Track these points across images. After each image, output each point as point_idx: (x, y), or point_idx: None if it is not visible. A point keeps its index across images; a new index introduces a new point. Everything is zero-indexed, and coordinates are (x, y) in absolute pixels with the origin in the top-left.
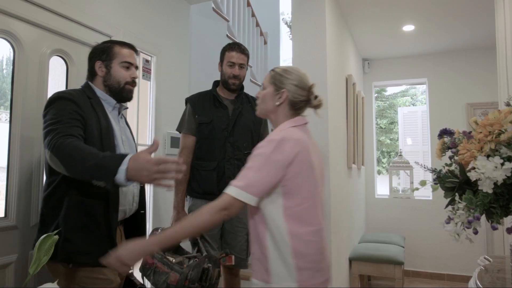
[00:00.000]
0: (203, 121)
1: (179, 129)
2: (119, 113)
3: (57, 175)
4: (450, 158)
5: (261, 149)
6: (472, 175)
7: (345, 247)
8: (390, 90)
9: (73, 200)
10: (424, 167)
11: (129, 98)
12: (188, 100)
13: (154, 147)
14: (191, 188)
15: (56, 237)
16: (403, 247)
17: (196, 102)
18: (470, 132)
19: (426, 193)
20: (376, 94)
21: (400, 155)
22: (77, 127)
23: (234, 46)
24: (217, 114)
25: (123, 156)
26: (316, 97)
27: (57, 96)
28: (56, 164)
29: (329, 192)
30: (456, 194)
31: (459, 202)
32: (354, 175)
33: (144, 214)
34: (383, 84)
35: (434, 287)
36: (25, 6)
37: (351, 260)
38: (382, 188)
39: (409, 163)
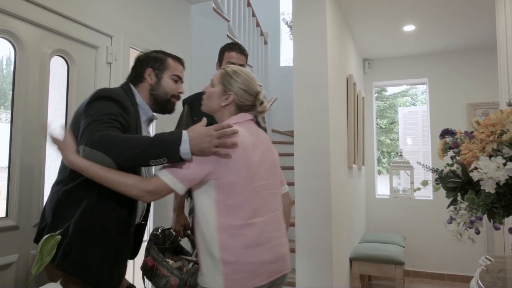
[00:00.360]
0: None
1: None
2: (148, 124)
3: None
4: (452, 158)
5: None
6: (475, 175)
7: (346, 247)
8: (390, 90)
9: (90, 205)
10: (426, 167)
11: (172, 110)
12: (185, 101)
13: (203, 123)
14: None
15: (59, 237)
16: (404, 247)
17: (194, 104)
18: (472, 132)
19: (426, 193)
20: (376, 94)
21: (401, 155)
22: (117, 128)
23: (234, 46)
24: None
25: (178, 130)
26: (261, 103)
27: (105, 95)
28: (98, 157)
29: (329, 192)
30: (458, 194)
31: (461, 202)
32: (354, 175)
33: (145, 225)
34: (384, 84)
35: (434, 287)
36: (26, 6)
37: (351, 260)
38: (382, 188)
39: (409, 163)
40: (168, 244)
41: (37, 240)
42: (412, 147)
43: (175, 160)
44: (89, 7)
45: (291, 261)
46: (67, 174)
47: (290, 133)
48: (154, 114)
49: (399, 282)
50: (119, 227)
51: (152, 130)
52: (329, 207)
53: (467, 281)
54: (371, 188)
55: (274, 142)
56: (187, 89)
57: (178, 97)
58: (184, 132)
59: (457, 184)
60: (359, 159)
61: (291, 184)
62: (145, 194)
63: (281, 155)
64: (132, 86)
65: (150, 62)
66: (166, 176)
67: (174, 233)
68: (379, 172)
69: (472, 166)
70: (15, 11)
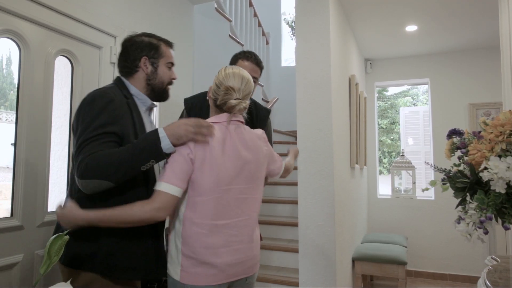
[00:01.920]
0: None
1: None
2: (149, 114)
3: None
4: (459, 158)
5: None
6: (485, 175)
7: (348, 247)
8: (391, 90)
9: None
10: (435, 168)
11: (167, 97)
12: (185, 105)
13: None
14: None
15: (67, 237)
16: (406, 247)
17: (193, 110)
18: (479, 132)
19: (428, 193)
20: (377, 95)
21: (402, 155)
22: (108, 142)
23: (250, 56)
24: None
25: (154, 130)
26: (226, 101)
27: (92, 100)
28: (95, 184)
29: (333, 192)
30: (467, 194)
31: (470, 202)
32: (356, 175)
33: None
34: (385, 84)
35: (437, 287)
36: (31, 6)
37: (354, 260)
38: (383, 188)
39: (411, 163)
40: None
41: None
42: (413, 147)
43: (162, 158)
44: (93, 7)
45: (294, 261)
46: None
47: (292, 133)
48: (154, 102)
49: (402, 282)
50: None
51: (155, 123)
52: (332, 207)
53: (469, 281)
54: (373, 188)
55: (275, 142)
56: (189, 88)
57: (172, 83)
58: (160, 130)
59: (466, 184)
60: (361, 159)
61: (294, 184)
62: (156, 212)
63: (282, 155)
64: (124, 79)
65: (145, 50)
66: (161, 186)
67: None
68: (380, 172)
69: (482, 166)
70: (20, 11)
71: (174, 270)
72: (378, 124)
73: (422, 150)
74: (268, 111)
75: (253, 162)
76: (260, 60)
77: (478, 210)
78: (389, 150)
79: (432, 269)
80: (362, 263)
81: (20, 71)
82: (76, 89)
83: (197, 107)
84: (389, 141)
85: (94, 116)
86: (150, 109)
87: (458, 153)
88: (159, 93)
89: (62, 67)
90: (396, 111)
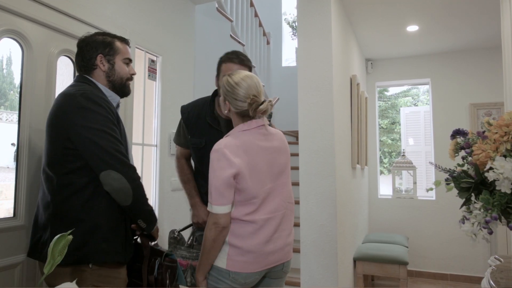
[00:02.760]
0: (196, 143)
1: (175, 140)
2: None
3: (88, 176)
4: (463, 158)
5: (212, 162)
6: (490, 175)
7: (350, 247)
8: (392, 90)
9: (105, 201)
10: (439, 168)
11: (129, 92)
12: (181, 113)
13: None
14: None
15: (70, 237)
16: (407, 247)
17: (189, 120)
18: (483, 132)
19: (429, 193)
20: (377, 95)
21: (403, 155)
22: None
23: (233, 57)
24: (211, 138)
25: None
26: (255, 108)
27: (93, 101)
28: (124, 194)
29: (334, 192)
30: (472, 194)
31: (475, 202)
32: (357, 175)
33: None
34: (386, 84)
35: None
36: (34, 6)
37: (355, 260)
38: (383, 188)
39: (412, 163)
40: (189, 241)
41: (33, 254)
42: (414, 147)
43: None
44: (96, 7)
45: (296, 261)
46: (69, 179)
47: (292, 133)
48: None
49: (403, 282)
50: (124, 214)
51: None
52: (334, 207)
53: (470, 281)
54: (373, 188)
55: None
56: (190, 88)
57: (132, 79)
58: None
59: (471, 184)
60: (362, 159)
61: (295, 184)
62: (222, 229)
63: None
64: (90, 77)
65: (99, 48)
66: (210, 207)
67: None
68: (380, 172)
69: (488, 167)
70: (22, 11)
71: (221, 260)
72: (379, 124)
73: (422, 150)
74: None
75: (282, 161)
76: (244, 57)
77: (483, 210)
78: (390, 150)
79: (433, 269)
80: (363, 263)
81: (23, 71)
82: None
83: (194, 115)
84: (390, 141)
85: (98, 116)
86: (117, 106)
87: (462, 153)
88: (120, 89)
89: (62, 67)
90: (397, 111)
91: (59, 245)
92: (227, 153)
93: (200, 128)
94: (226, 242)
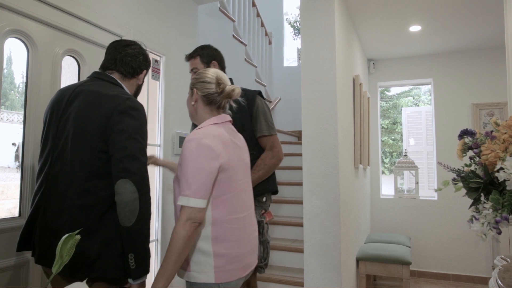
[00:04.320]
0: None
1: None
2: None
3: (108, 186)
4: (471, 158)
5: (187, 152)
6: (501, 176)
7: (352, 247)
8: (393, 91)
9: (113, 212)
10: (448, 168)
11: None
12: None
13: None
14: None
15: (78, 236)
16: (410, 247)
17: None
18: (491, 132)
19: (431, 193)
20: (379, 95)
21: (405, 155)
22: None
23: (185, 57)
24: None
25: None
26: (224, 87)
27: (137, 107)
28: (130, 210)
29: (338, 192)
30: (481, 194)
31: (484, 202)
32: (360, 175)
33: None
34: (388, 84)
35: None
36: (39, 6)
37: (358, 260)
38: (385, 188)
39: (414, 163)
40: None
41: (44, 261)
42: (415, 148)
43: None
44: (100, 7)
45: (299, 261)
46: (94, 185)
47: (294, 133)
48: None
49: (406, 282)
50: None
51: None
52: (337, 207)
53: (472, 281)
54: (375, 188)
55: None
56: None
57: None
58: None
59: (480, 184)
60: (365, 159)
61: (299, 184)
62: (198, 225)
63: (285, 155)
64: (121, 82)
65: (148, 65)
66: (183, 201)
67: None
68: (381, 172)
69: (498, 167)
70: (28, 11)
71: (207, 274)
72: (379, 124)
73: (424, 150)
74: (255, 92)
75: (247, 158)
76: (192, 52)
77: (492, 210)
78: (391, 150)
79: (435, 269)
80: (366, 263)
81: (28, 71)
82: None
83: None
84: (391, 141)
85: (138, 125)
86: None
87: (469, 153)
88: None
89: (66, 67)
90: (398, 111)
91: (67, 244)
92: (209, 143)
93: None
94: (208, 253)
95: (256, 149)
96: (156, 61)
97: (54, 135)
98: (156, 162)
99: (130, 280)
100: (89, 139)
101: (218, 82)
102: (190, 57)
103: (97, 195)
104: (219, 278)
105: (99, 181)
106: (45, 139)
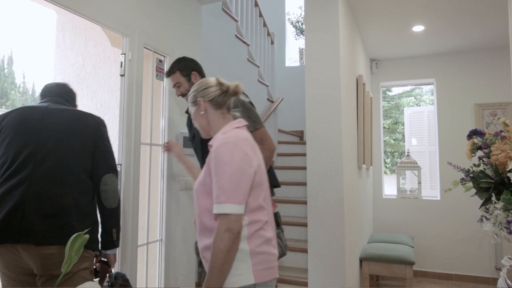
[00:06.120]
0: (188, 137)
1: None
2: None
3: (92, 179)
4: (480, 158)
5: (223, 155)
6: None
7: (356, 247)
8: (395, 91)
9: (95, 199)
10: (458, 168)
11: None
12: (187, 113)
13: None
14: None
15: (87, 236)
16: (413, 247)
17: (189, 118)
18: (501, 132)
19: (433, 193)
20: (381, 95)
21: (408, 156)
22: None
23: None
24: (197, 131)
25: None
26: (227, 86)
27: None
28: (114, 196)
29: (342, 192)
30: (492, 194)
31: (495, 202)
32: (363, 176)
33: None
34: (391, 84)
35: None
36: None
37: (361, 260)
38: (386, 188)
39: (416, 163)
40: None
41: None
42: (417, 148)
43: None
44: (105, 7)
45: (303, 260)
46: (88, 175)
47: (295, 133)
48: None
49: (409, 282)
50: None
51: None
52: (341, 207)
53: (475, 281)
54: (378, 188)
55: (280, 142)
56: None
57: None
58: None
59: (490, 184)
60: (367, 159)
61: (301, 184)
62: (237, 235)
63: (287, 155)
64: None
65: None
66: (219, 208)
67: None
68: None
69: (510, 167)
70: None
71: (247, 275)
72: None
73: (426, 150)
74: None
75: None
76: (170, 67)
77: (504, 210)
78: (392, 150)
79: (437, 269)
80: (369, 263)
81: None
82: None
83: (188, 119)
84: (392, 141)
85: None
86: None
87: (478, 153)
88: None
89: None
90: (399, 111)
91: (76, 244)
92: (243, 148)
93: (189, 121)
94: (246, 252)
95: None
96: (160, 61)
97: (34, 143)
98: (179, 155)
99: (109, 251)
100: (82, 144)
101: (220, 83)
102: (169, 73)
103: (88, 184)
104: (259, 278)
105: (88, 174)
106: (12, 148)
